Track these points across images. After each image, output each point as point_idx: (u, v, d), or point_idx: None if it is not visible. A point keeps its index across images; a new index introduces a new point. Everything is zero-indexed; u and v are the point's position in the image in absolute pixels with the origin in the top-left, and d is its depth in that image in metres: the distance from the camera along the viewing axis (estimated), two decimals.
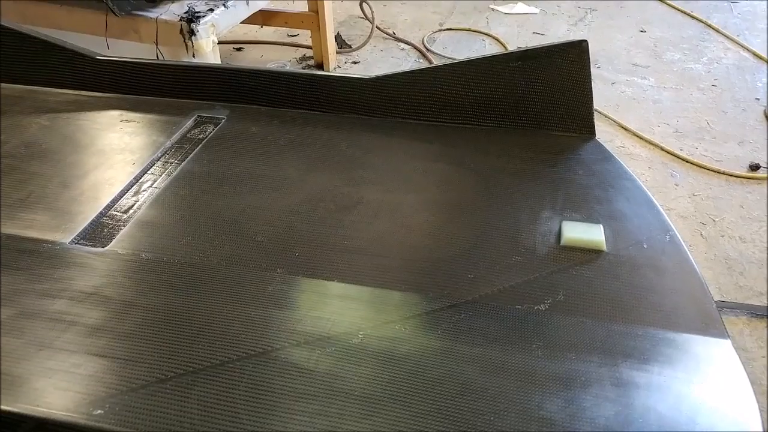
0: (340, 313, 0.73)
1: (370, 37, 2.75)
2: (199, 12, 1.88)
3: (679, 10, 2.98)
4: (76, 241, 0.87)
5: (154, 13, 1.88)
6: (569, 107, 1.06)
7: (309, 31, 2.60)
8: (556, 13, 3.05)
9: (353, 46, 2.77)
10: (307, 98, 1.17)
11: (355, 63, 2.69)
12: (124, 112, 1.17)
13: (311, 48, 2.70)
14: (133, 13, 1.86)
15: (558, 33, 2.86)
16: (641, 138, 2.18)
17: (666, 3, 3.05)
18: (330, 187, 0.98)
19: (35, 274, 0.79)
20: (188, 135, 1.11)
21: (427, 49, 2.74)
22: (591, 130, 1.07)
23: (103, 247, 0.86)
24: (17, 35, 1.23)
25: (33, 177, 1.00)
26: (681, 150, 2.11)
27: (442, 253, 0.84)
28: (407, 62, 2.68)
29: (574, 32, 2.85)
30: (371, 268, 0.81)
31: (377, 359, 0.65)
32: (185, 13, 1.87)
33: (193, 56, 1.86)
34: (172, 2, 1.95)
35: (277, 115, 1.16)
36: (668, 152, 2.11)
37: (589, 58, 1.04)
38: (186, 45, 1.86)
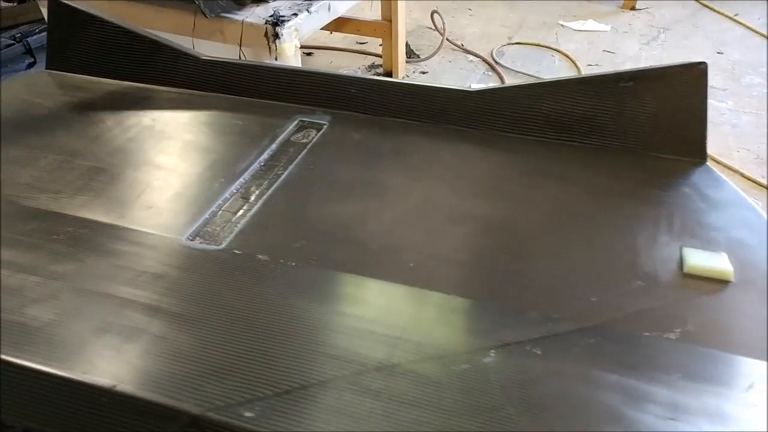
0: (466, 329, 0.72)
1: (440, 47, 2.76)
2: (284, 16, 1.92)
3: (757, 32, 2.90)
4: (191, 239, 0.88)
5: (240, 16, 1.93)
6: (680, 130, 1.04)
7: (377, 39, 2.62)
8: (627, 31, 3.00)
9: (421, 56, 2.78)
10: (407, 107, 1.17)
11: (423, 73, 2.69)
12: (228, 113, 1.19)
13: (380, 56, 2.72)
14: (221, 15, 1.91)
15: (629, 52, 2.81)
16: (718, 162, 2.12)
17: (744, 25, 2.97)
18: (436, 198, 0.97)
19: (161, 269, 0.81)
20: (291, 139, 1.12)
21: (496, 62, 2.73)
22: (702, 155, 1.04)
23: (217, 245, 0.87)
24: (129, 34, 1.27)
25: (144, 174, 1.02)
26: (763, 177, 2.04)
27: (561, 273, 0.82)
28: (475, 74, 2.67)
29: (646, 51, 2.80)
30: (489, 285, 0.80)
31: (514, 380, 0.64)
32: (270, 16, 1.91)
33: (276, 59, 1.90)
34: (257, 5, 1.99)
35: (377, 123, 1.16)
36: (749, 179, 2.04)
37: (706, 81, 1.01)
38: (270, 48, 1.89)
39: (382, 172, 1.03)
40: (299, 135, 1.13)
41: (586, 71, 2.62)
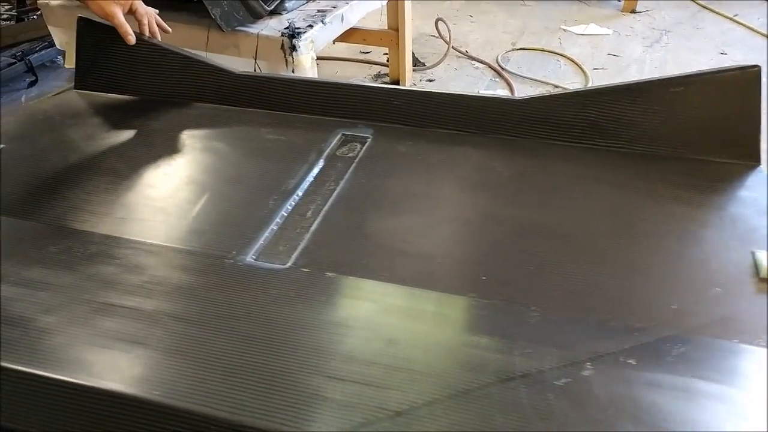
0: (554, 342, 0.71)
1: (446, 55, 2.76)
2: (300, 28, 1.90)
3: (759, 32, 2.94)
4: (255, 258, 0.86)
5: (254, 29, 1.91)
6: (734, 134, 1.04)
7: (381, 48, 2.62)
8: (630, 34, 3.02)
9: (427, 64, 2.78)
10: (451, 118, 1.16)
11: (430, 81, 2.69)
12: (269, 128, 1.17)
13: (385, 65, 2.71)
14: (237, 28, 1.89)
15: (633, 55, 2.83)
16: None
17: (744, 25, 3.01)
18: (495, 208, 0.96)
19: (231, 292, 0.79)
20: (337, 153, 1.10)
21: (502, 68, 2.74)
22: (756, 158, 1.04)
23: (283, 264, 0.85)
24: (160, 50, 1.25)
25: (194, 194, 1.00)
26: None
27: (635, 281, 0.81)
28: (482, 81, 2.67)
29: (650, 54, 2.82)
30: (566, 296, 0.79)
31: (619, 392, 0.63)
32: (286, 29, 1.89)
33: (293, 71, 1.88)
34: (271, 18, 1.98)
35: (422, 135, 1.15)
36: None
37: (760, 84, 1.01)
38: (286, 60, 1.87)
39: (434, 184, 1.02)
40: (344, 149, 1.12)
41: (592, 75, 2.63)
